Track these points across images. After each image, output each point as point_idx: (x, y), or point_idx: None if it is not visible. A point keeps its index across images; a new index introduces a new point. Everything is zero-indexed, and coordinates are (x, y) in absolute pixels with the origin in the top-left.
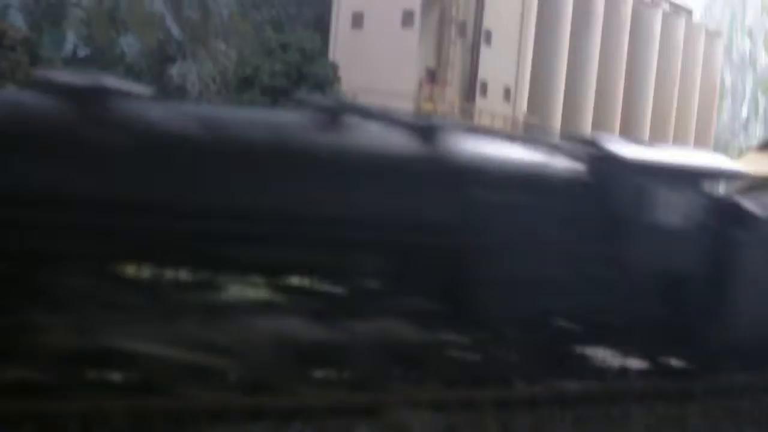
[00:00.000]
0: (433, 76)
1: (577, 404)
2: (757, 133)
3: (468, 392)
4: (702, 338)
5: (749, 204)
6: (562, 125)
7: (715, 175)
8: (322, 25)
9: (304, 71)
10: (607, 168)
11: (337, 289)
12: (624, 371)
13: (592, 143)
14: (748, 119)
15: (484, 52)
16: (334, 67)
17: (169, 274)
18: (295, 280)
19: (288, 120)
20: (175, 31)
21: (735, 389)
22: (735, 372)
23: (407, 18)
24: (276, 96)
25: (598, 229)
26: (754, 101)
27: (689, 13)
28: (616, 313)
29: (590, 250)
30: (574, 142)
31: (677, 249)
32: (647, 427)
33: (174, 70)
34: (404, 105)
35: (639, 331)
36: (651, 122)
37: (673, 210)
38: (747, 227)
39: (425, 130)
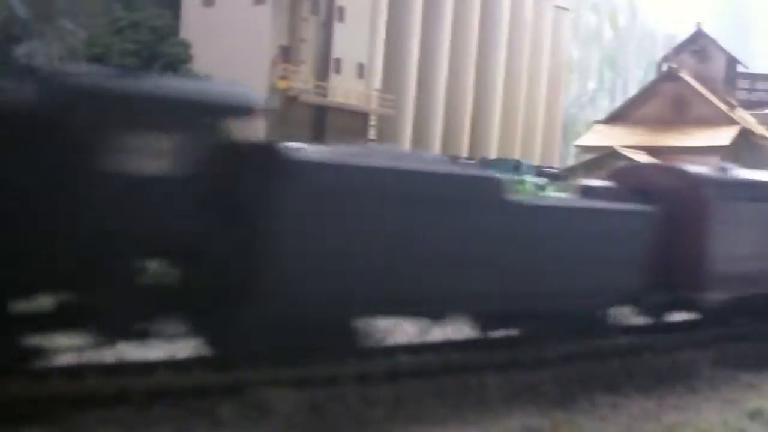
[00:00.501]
0: (286, 54)
1: (437, 375)
2: (603, 107)
3: (329, 369)
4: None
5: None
6: (416, 101)
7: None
8: (173, 3)
9: (156, 50)
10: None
11: None
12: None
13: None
14: (595, 93)
15: (338, 28)
16: (186, 46)
17: None
18: None
19: None
20: (20, 9)
21: None
22: None
23: None
24: None
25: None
26: (601, 76)
27: None
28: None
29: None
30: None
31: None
32: (503, 397)
33: (20, 50)
34: (258, 83)
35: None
36: (502, 97)
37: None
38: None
39: None
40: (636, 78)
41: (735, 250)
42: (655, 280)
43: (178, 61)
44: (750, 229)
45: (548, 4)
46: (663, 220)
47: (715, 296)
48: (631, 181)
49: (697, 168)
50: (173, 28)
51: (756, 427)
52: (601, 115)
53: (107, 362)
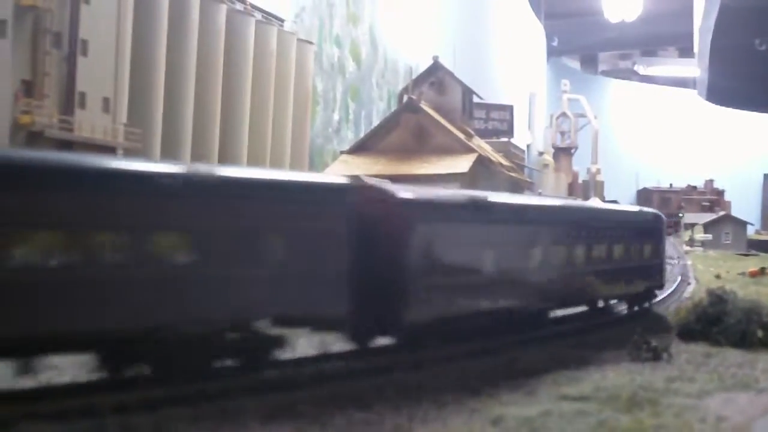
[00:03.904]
0: (29, 89)
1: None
2: (348, 137)
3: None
4: None
5: None
6: (163, 135)
7: None
8: None
9: None
10: None
11: None
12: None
13: None
14: (340, 124)
15: (81, 62)
16: None
17: None
18: None
19: None
20: None
21: None
22: None
23: None
24: None
25: None
26: (345, 106)
27: (281, 21)
28: None
29: None
30: None
31: None
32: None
33: None
34: (0, 118)
35: None
36: (249, 128)
37: None
38: None
39: None
40: (379, 109)
41: (442, 272)
42: (357, 305)
43: None
44: (457, 250)
45: (292, 37)
46: (362, 241)
47: (418, 318)
48: None
49: (399, 187)
50: None
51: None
52: (347, 146)
53: None
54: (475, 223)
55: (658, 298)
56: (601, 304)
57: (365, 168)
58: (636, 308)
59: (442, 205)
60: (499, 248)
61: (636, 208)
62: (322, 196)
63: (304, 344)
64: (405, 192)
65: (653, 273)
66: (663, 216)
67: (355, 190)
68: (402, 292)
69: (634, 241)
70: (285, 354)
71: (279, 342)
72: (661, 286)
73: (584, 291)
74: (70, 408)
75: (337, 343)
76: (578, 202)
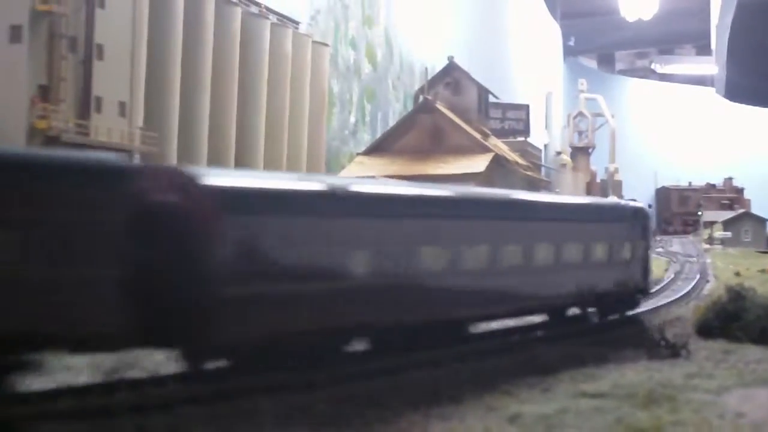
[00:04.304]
0: (45, 93)
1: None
2: (365, 139)
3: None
4: None
5: None
6: (179, 138)
7: None
8: None
9: None
10: None
11: None
12: None
13: None
14: (356, 126)
15: (97, 67)
16: None
17: None
18: None
19: None
20: None
21: None
22: None
23: (15, 33)
24: None
25: None
26: (361, 108)
27: (296, 24)
28: None
29: None
30: None
31: None
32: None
33: None
34: (17, 123)
35: None
36: (265, 131)
37: None
38: None
39: None
40: (395, 110)
41: (270, 279)
42: (136, 318)
43: None
44: (298, 251)
45: (307, 39)
46: (147, 239)
47: (226, 337)
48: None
49: (211, 170)
50: None
51: (514, 429)
52: (363, 148)
53: None
54: (328, 217)
55: (646, 306)
56: (547, 312)
57: (381, 169)
58: (613, 317)
59: (270, 194)
60: (371, 248)
61: (612, 201)
62: (86, 180)
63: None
64: (215, 176)
65: (632, 276)
66: (647, 210)
67: (140, 174)
68: (203, 303)
69: (601, 238)
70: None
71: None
72: (644, 291)
73: (517, 298)
74: (86, 407)
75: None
76: (521, 194)
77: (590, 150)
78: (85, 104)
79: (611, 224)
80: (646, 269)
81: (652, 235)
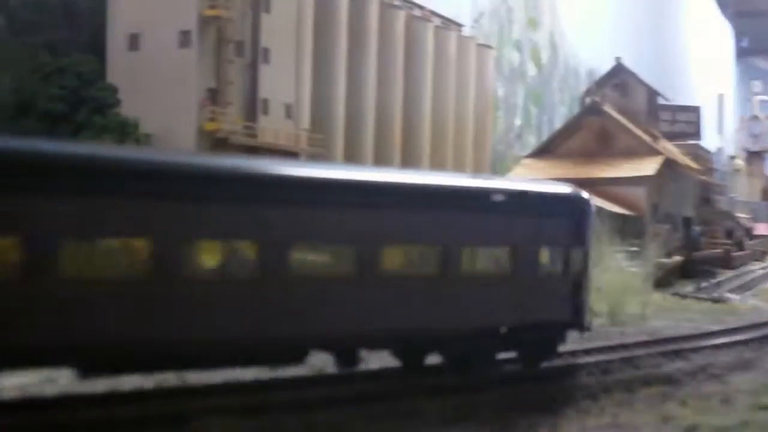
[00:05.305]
0: (214, 96)
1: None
2: (530, 143)
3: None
4: None
5: None
6: (345, 140)
7: None
8: (98, 48)
9: (83, 95)
10: None
11: None
12: None
13: None
14: (521, 129)
15: (263, 70)
16: (113, 90)
17: None
18: None
19: None
20: None
21: None
22: None
23: (184, 38)
24: (55, 122)
25: None
26: (526, 112)
27: (459, 27)
28: None
29: None
30: None
31: None
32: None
33: None
34: (186, 126)
35: None
36: (431, 134)
37: None
38: None
39: None
40: (561, 113)
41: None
42: None
43: (105, 106)
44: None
45: (471, 42)
46: None
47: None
48: None
49: None
50: (99, 73)
51: None
52: (529, 151)
53: None
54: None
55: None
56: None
57: (547, 171)
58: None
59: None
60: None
61: (525, 183)
62: None
63: None
64: None
65: (552, 302)
66: (586, 199)
67: None
68: None
69: (494, 240)
70: None
71: None
72: (576, 325)
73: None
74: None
75: None
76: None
77: (765, 155)
78: (252, 107)
79: (517, 218)
80: (579, 290)
81: (591, 238)
